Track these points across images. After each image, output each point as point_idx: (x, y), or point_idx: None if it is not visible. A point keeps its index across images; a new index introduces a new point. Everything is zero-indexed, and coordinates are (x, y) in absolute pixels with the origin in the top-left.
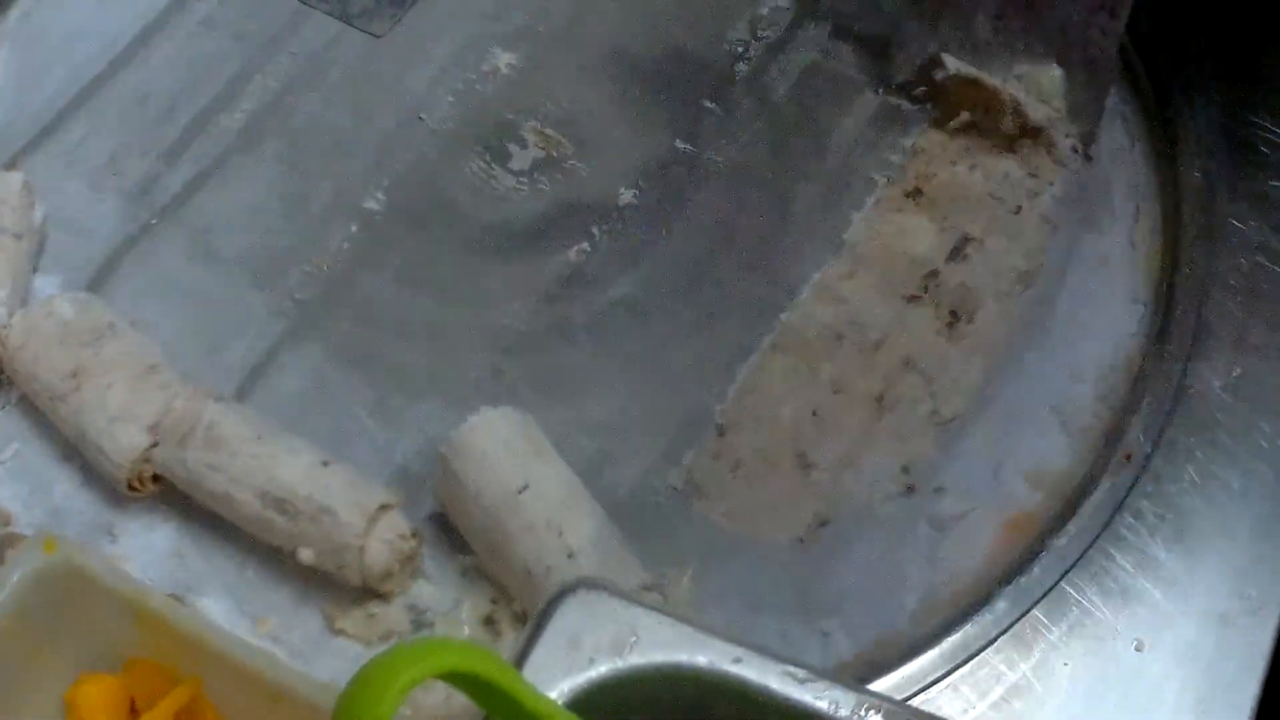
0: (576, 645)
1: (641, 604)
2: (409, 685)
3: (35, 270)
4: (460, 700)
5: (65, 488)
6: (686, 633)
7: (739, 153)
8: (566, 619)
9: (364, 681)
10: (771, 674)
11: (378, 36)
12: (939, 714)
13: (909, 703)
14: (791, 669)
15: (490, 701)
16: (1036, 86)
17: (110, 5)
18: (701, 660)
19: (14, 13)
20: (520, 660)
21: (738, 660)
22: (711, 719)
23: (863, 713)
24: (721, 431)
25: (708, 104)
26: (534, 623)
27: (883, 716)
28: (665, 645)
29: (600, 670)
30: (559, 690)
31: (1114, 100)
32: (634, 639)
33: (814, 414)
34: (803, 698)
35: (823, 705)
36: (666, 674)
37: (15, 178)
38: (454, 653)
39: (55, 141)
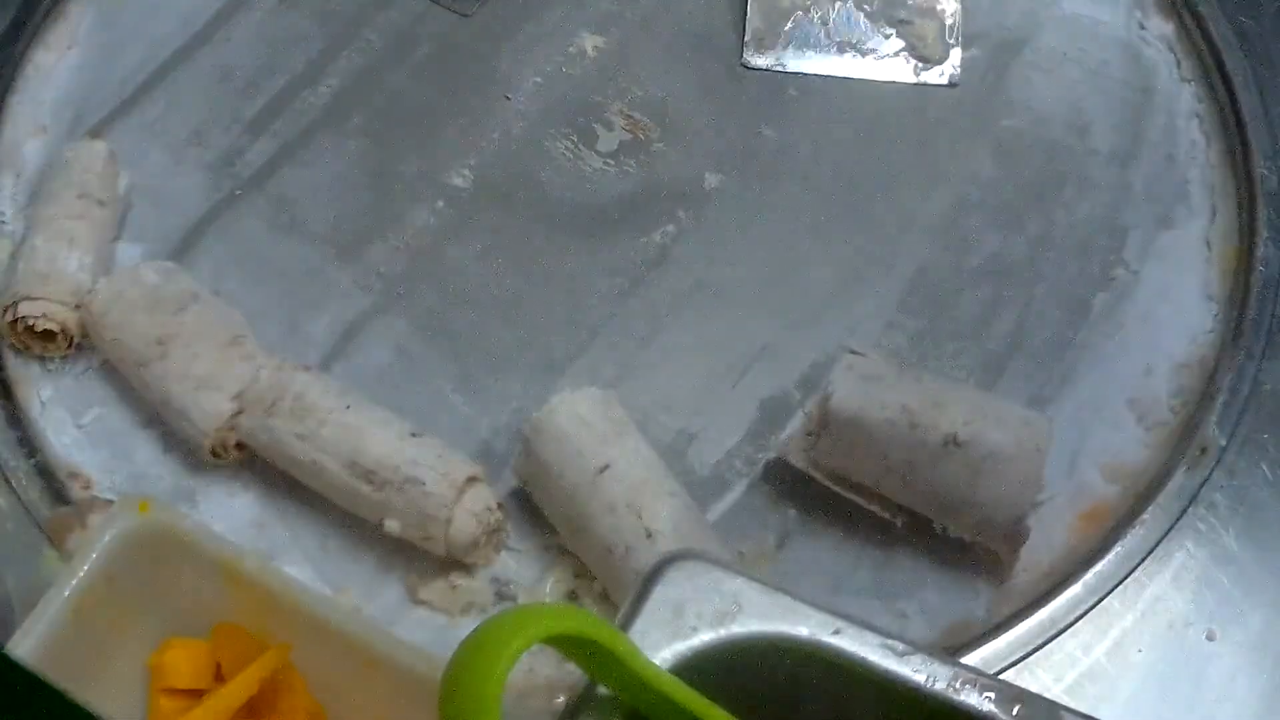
0: (680, 613)
1: (744, 575)
2: (523, 647)
3: (119, 238)
4: (543, 671)
5: (146, 453)
6: (788, 604)
7: (825, 141)
8: (670, 588)
9: (477, 645)
10: (870, 646)
11: (465, 16)
12: None
13: None
14: (891, 642)
15: (597, 666)
16: None
17: None
18: (803, 631)
19: None
20: (624, 628)
21: (837, 632)
22: (808, 690)
23: (958, 685)
24: (813, 419)
25: (793, 92)
26: (637, 591)
27: (978, 690)
28: (767, 615)
29: (703, 638)
30: (661, 657)
31: (1189, 99)
32: (736, 608)
33: (903, 407)
34: (901, 670)
35: (920, 679)
36: (768, 644)
37: (100, 146)
38: (567, 617)
39: (139, 112)
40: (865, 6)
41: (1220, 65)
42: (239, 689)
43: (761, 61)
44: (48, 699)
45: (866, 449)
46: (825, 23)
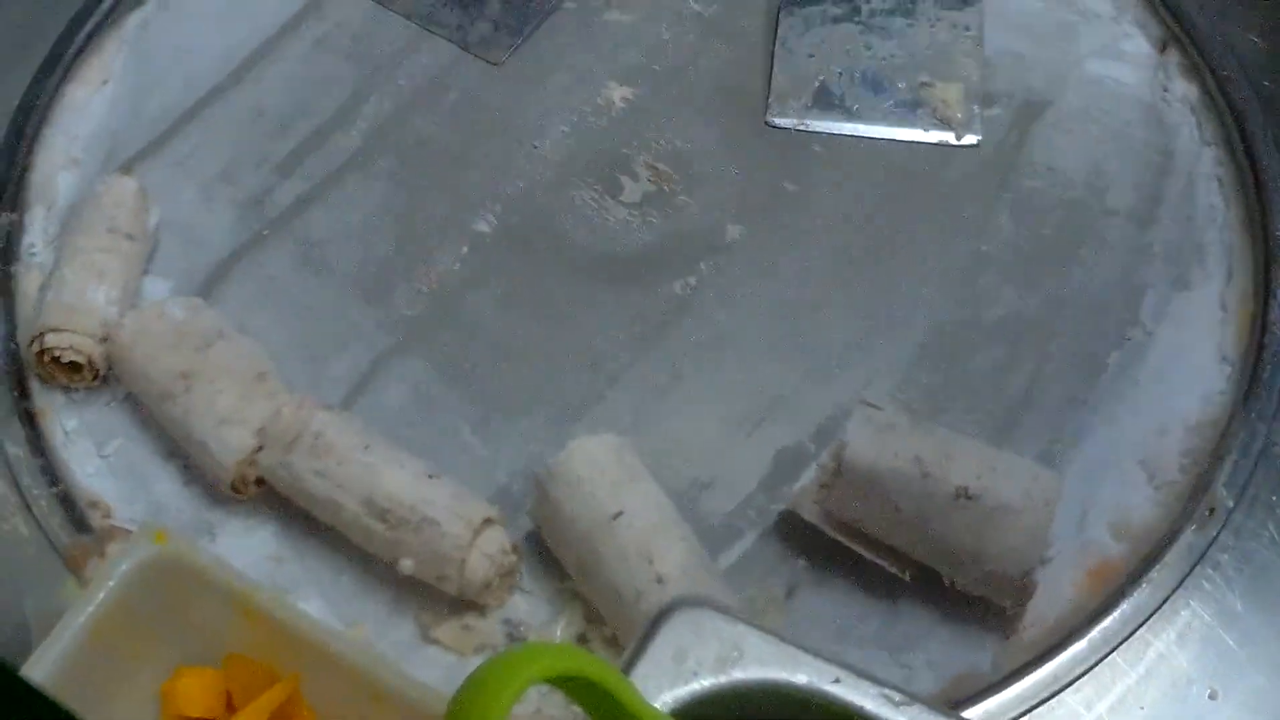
0: (682, 659)
1: (746, 622)
2: (524, 686)
3: (147, 273)
4: (550, 712)
5: (166, 485)
6: (789, 652)
7: (845, 197)
8: (673, 633)
9: (479, 682)
10: (868, 696)
11: (495, 64)
12: None
13: None
14: (889, 692)
15: (597, 707)
16: None
17: (226, 22)
18: (801, 678)
19: (132, 20)
20: (627, 670)
21: (836, 680)
22: None
23: None
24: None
25: (816, 148)
26: (641, 635)
27: None
28: (767, 662)
29: (704, 683)
30: (662, 701)
31: (1209, 163)
32: (737, 655)
33: (916, 458)
34: (895, 719)
35: None
36: (767, 690)
37: (130, 182)
38: (569, 657)
39: (170, 149)
40: (888, 69)
41: (1242, 129)
42: (249, 719)
43: (785, 121)
44: None
45: (879, 498)
46: (849, 84)
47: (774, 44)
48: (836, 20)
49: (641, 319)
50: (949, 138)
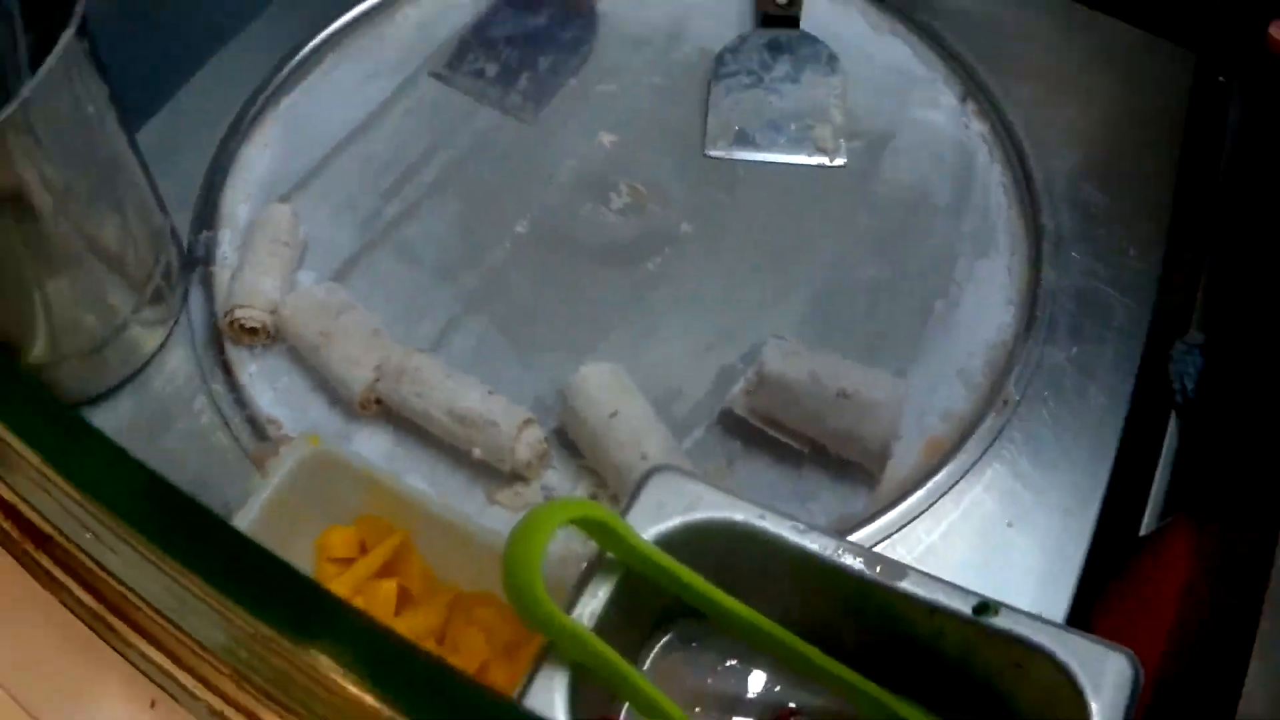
0: (660, 506)
1: (703, 482)
2: (554, 528)
3: (298, 269)
4: (573, 546)
5: (317, 407)
6: (730, 500)
7: (761, 203)
8: (654, 489)
9: (526, 525)
10: (784, 526)
11: (525, 123)
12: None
13: None
14: (796, 523)
15: (606, 541)
16: None
17: (345, 102)
18: (739, 516)
19: (285, 101)
20: (624, 515)
21: (762, 517)
22: (743, 557)
23: (840, 552)
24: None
25: (741, 172)
26: (632, 492)
27: (852, 555)
28: (717, 507)
29: (674, 522)
30: (648, 534)
31: (997, 174)
32: (697, 502)
33: (811, 371)
34: (802, 541)
35: (815, 547)
36: (716, 526)
37: (285, 208)
38: (585, 507)
39: (312, 186)
40: (784, 117)
41: (1019, 151)
42: (376, 558)
43: (717, 153)
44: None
45: (787, 398)
46: (758, 127)
47: (707, 102)
48: (748, 86)
49: (627, 287)
50: (825, 161)
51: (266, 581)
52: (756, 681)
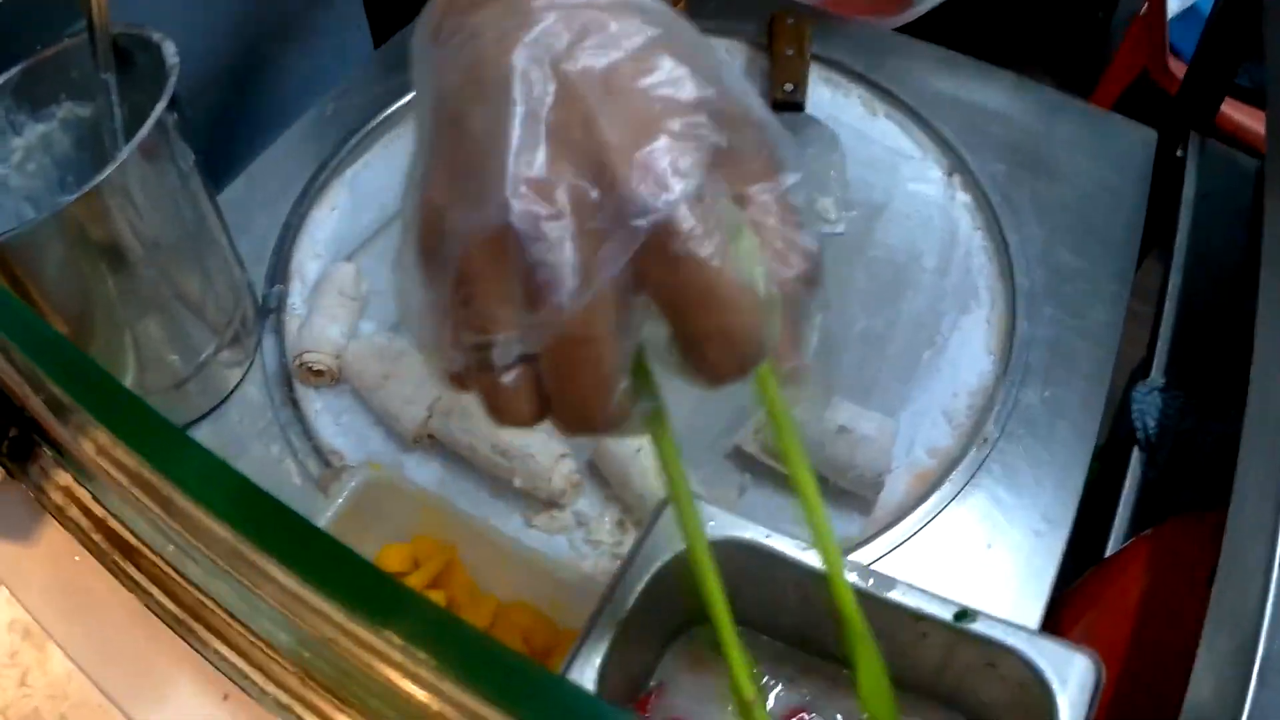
0: (675, 529)
1: (714, 505)
2: None
3: (361, 318)
4: (602, 568)
5: (376, 440)
6: (739, 521)
7: None
8: (669, 514)
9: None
10: (787, 545)
11: None
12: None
13: None
14: (799, 542)
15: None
16: None
17: (403, 170)
18: (747, 535)
19: (349, 171)
20: (642, 536)
21: (768, 536)
22: (752, 574)
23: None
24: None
25: None
26: (651, 517)
27: (850, 570)
28: (727, 527)
29: None
30: (665, 553)
31: (980, 239)
32: (711, 522)
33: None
34: (804, 559)
35: (816, 564)
36: (727, 543)
37: (350, 265)
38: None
39: (374, 246)
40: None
41: (997, 218)
42: (427, 572)
43: None
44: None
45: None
46: None
47: None
48: None
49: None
50: (827, 229)
51: (351, 573)
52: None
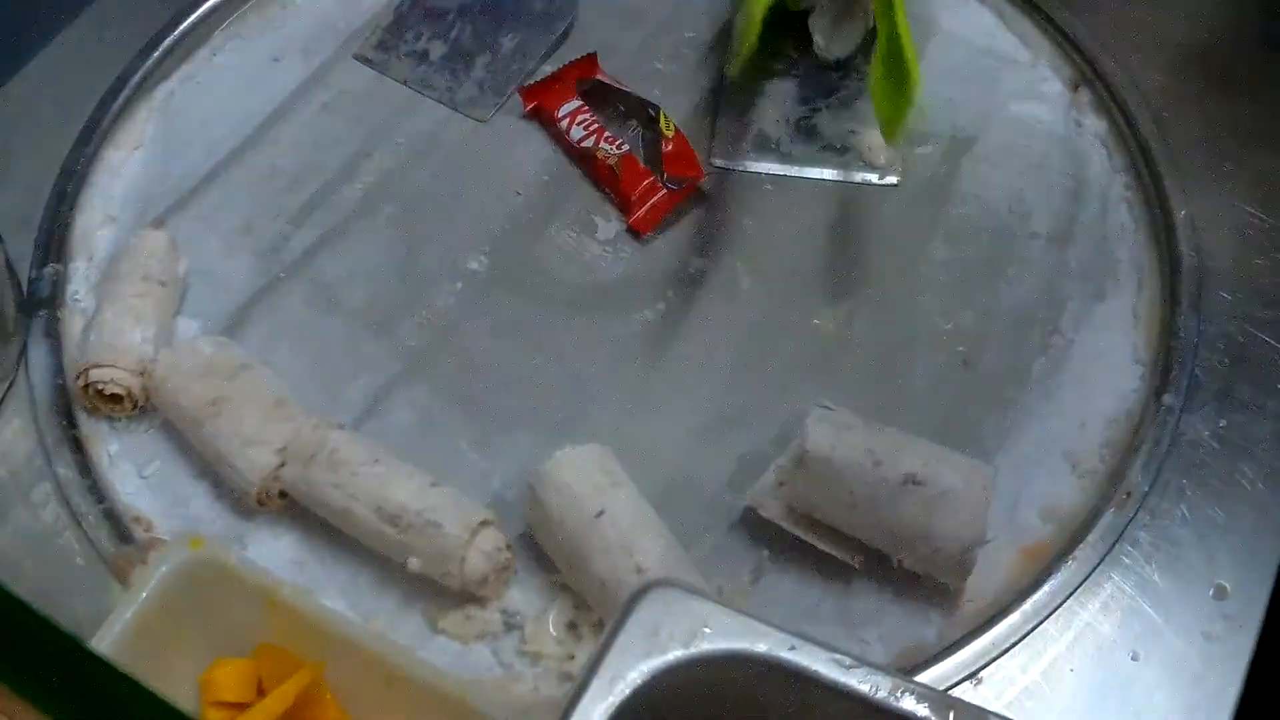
0: (655, 632)
1: (713, 600)
2: None
3: (178, 315)
4: (545, 695)
5: (200, 500)
6: (750, 624)
7: (798, 231)
8: (648, 609)
9: None
10: (821, 660)
11: (481, 121)
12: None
13: None
14: (839, 656)
15: None
16: None
17: (243, 91)
18: (761, 648)
19: (160, 91)
20: (606, 646)
21: (793, 648)
22: (772, 702)
23: (899, 695)
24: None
25: (768, 187)
26: (620, 613)
27: (915, 698)
28: (731, 634)
29: (676, 654)
30: (639, 670)
31: (1119, 188)
32: (706, 629)
33: (868, 449)
34: (848, 681)
35: (865, 688)
36: (732, 658)
37: (161, 235)
38: None
39: (196, 205)
40: (819, 118)
41: (1147, 157)
42: (277, 702)
43: (724, 163)
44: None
45: (835, 486)
46: (784, 131)
47: (717, 96)
48: (776, 74)
49: (617, 342)
50: (872, 178)
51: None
52: None
